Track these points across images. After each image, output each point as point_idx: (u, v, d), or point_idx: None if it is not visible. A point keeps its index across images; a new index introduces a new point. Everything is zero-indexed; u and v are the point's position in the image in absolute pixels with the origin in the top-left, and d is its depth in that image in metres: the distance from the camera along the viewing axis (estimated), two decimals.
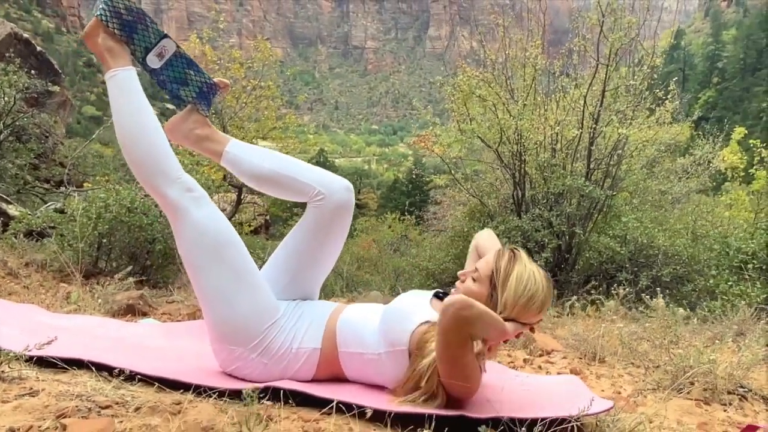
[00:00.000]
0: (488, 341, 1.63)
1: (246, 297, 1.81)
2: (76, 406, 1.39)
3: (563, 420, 1.52)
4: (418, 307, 1.80)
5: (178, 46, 1.94)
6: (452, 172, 7.13)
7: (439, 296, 1.92)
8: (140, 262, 5.64)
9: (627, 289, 3.72)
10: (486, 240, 1.97)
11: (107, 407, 1.45)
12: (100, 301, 2.74)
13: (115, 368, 1.64)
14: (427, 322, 1.71)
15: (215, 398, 1.62)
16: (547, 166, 6.05)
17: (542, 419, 1.47)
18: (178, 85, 1.96)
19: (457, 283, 1.82)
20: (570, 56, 6.66)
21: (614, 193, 6.04)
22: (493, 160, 6.68)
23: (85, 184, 8.76)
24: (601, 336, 2.75)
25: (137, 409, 1.48)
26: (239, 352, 1.82)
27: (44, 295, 2.85)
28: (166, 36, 1.92)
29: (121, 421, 1.39)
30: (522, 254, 1.74)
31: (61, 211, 5.75)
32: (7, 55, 8.93)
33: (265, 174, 1.95)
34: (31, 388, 1.48)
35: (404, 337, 1.70)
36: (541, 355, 2.84)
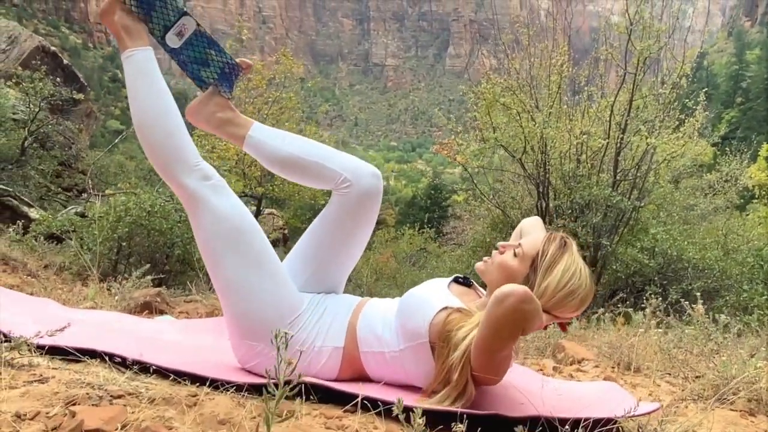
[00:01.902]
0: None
1: (267, 289, 1.71)
2: (87, 394, 1.30)
3: (606, 422, 1.40)
4: (433, 293, 1.68)
5: (198, 25, 1.85)
6: (474, 182, 7.02)
7: (459, 281, 1.81)
8: (159, 267, 5.62)
9: (659, 299, 3.56)
10: (533, 225, 1.83)
11: (119, 397, 1.36)
12: (117, 298, 2.67)
13: (128, 359, 1.56)
14: (445, 308, 1.59)
15: (233, 392, 1.53)
16: (573, 176, 5.92)
17: (585, 419, 1.36)
18: (199, 66, 1.87)
19: (494, 252, 1.69)
20: (596, 65, 6.55)
21: (642, 205, 5.89)
22: (515, 170, 6.56)
23: (107, 192, 8.81)
24: (635, 344, 2.62)
25: (151, 400, 1.39)
26: (260, 347, 1.72)
27: (60, 291, 2.79)
28: (185, 13, 1.83)
29: (134, 411, 1.30)
30: (573, 245, 1.63)
31: (83, 215, 5.76)
32: (33, 62, 9.07)
33: (289, 159, 1.85)
34: (41, 375, 1.41)
35: (422, 329, 1.59)
36: (571, 364, 2.71)
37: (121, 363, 1.61)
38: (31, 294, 3.33)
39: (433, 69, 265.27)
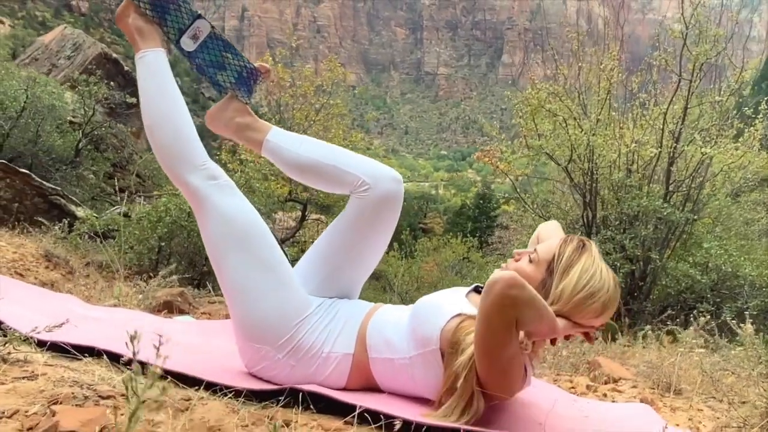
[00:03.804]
0: (532, 335, 1.39)
1: (273, 290, 1.65)
2: (72, 393, 1.26)
3: None
4: (448, 301, 1.59)
5: (212, 27, 1.83)
6: (516, 189, 6.83)
7: (478, 290, 1.71)
8: (198, 268, 5.68)
9: (708, 318, 3.34)
10: (551, 230, 1.75)
11: (109, 397, 1.31)
12: (140, 296, 2.67)
13: (124, 356, 1.52)
14: (459, 315, 1.50)
15: (230, 397, 1.47)
16: (622, 186, 5.67)
17: None
18: (215, 70, 1.84)
19: (509, 260, 1.61)
20: (650, 71, 6.28)
21: (696, 218, 5.58)
22: (562, 178, 6.34)
23: (154, 193, 9.02)
24: (677, 364, 2.43)
25: (143, 402, 1.34)
26: (265, 351, 1.66)
27: (84, 287, 2.81)
28: (199, 16, 1.82)
29: (122, 414, 1.25)
30: (593, 246, 1.52)
31: (126, 215, 5.88)
32: (89, 66, 9.39)
33: (306, 163, 1.80)
34: (32, 372, 1.37)
35: (434, 335, 1.50)
36: (606, 383, 2.54)
37: (126, 363, 1.57)
38: (67, 293, 3.39)
39: (486, 78, 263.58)
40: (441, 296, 1.65)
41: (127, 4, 1.79)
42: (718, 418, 2.08)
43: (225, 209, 1.67)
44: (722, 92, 5.62)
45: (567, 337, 1.49)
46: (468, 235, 14.18)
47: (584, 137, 5.60)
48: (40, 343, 1.56)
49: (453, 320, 1.50)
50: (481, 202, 33.57)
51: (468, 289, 1.72)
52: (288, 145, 1.83)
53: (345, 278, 1.81)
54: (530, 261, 1.54)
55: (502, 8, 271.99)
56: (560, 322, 1.41)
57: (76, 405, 1.22)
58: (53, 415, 1.14)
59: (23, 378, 1.33)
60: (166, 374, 1.52)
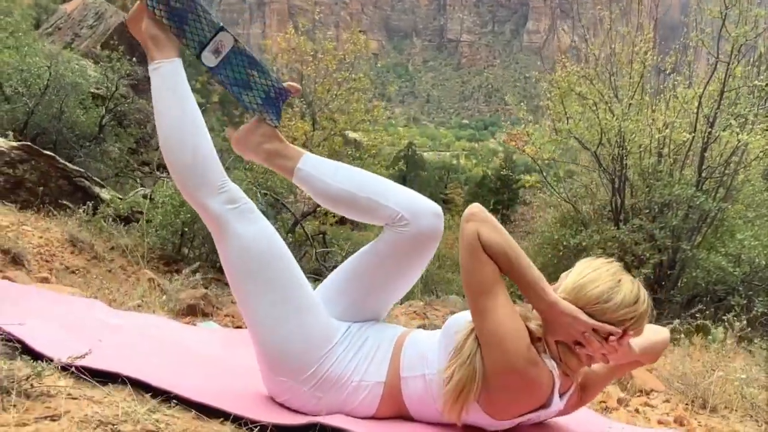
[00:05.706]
0: (547, 331, 1.46)
1: (296, 322, 1.59)
2: None
3: None
4: None
5: (236, 41, 1.68)
6: (544, 174, 6.68)
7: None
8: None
9: (743, 317, 3.24)
10: None
11: None
12: (164, 298, 2.65)
13: (152, 387, 1.49)
14: None
15: None
16: (652, 173, 5.51)
17: None
18: (240, 89, 1.70)
19: None
20: (684, 52, 6.04)
21: (728, 206, 5.41)
22: (589, 162, 6.18)
23: None
24: (713, 380, 2.35)
25: None
26: (289, 384, 1.60)
27: (107, 289, 2.80)
28: (222, 29, 1.67)
29: None
30: (618, 263, 1.51)
31: (150, 198, 5.87)
32: (111, 42, 9.35)
33: (340, 194, 1.70)
34: (56, 410, 1.34)
35: None
36: (639, 395, 2.48)
37: (146, 387, 1.54)
38: (96, 275, 3.39)
39: (510, 45, 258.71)
40: None
41: (139, 8, 1.65)
42: None
43: (245, 237, 1.60)
44: (761, 76, 5.38)
45: (584, 334, 1.43)
46: (491, 208, 14.02)
47: (615, 122, 5.43)
48: (63, 367, 1.54)
49: None
50: (503, 174, 33.14)
51: None
52: (320, 175, 1.72)
53: (374, 303, 1.75)
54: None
55: None
56: (565, 303, 1.43)
57: None
58: None
59: (46, 418, 1.30)
60: (188, 405, 1.49)
